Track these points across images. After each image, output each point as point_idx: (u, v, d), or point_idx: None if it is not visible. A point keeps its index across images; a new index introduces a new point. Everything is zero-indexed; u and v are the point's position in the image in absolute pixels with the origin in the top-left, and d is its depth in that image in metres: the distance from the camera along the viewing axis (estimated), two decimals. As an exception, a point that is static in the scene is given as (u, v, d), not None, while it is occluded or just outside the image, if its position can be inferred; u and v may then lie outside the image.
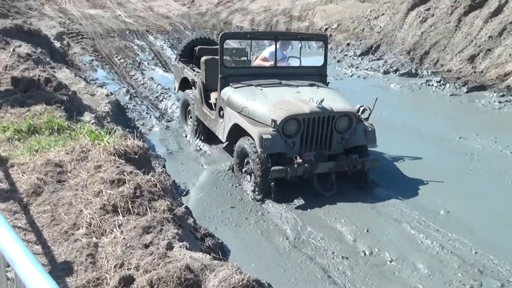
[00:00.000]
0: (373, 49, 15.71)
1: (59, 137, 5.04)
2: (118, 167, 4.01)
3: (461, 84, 12.39)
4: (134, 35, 17.65)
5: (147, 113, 9.88)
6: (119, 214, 3.52)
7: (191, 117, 8.84)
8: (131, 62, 14.26)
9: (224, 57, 7.71)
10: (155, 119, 9.58)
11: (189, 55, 9.43)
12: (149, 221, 3.39)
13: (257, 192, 6.61)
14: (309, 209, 6.33)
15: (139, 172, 3.99)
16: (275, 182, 6.54)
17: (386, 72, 13.97)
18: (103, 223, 3.44)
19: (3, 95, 6.32)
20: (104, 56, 14.69)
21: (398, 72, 13.84)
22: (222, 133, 7.54)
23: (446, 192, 6.90)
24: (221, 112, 7.53)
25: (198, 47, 9.19)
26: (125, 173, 3.91)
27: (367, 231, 5.82)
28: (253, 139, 6.60)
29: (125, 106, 9.62)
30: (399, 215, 6.23)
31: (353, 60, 15.39)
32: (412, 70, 13.81)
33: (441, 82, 12.74)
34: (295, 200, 6.55)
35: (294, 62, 8.36)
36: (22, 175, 4.25)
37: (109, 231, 3.38)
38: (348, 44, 16.66)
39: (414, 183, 7.17)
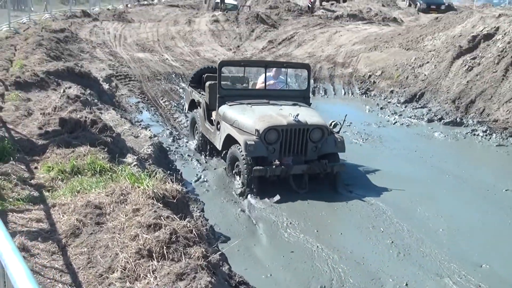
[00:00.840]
0: (417, 97, 15.54)
1: (100, 178, 5.14)
2: (155, 211, 4.04)
3: (508, 135, 12.09)
4: (180, 78, 18.03)
5: (188, 155, 10.01)
6: (153, 259, 3.52)
7: (197, 133, 10.40)
8: (175, 104, 14.53)
9: (224, 82, 9.58)
10: (196, 162, 9.68)
11: (198, 81, 11.14)
12: (183, 268, 3.38)
13: (243, 189, 8.13)
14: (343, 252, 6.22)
15: (175, 217, 4.01)
16: (259, 181, 8.07)
17: (430, 121, 13.77)
18: (138, 267, 3.45)
19: (50, 135, 6.52)
20: (150, 98, 15.02)
21: (442, 121, 13.62)
22: (218, 143, 9.21)
23: (489, 245, 6.67)
24: (218, 126, 9.19)
25: (206, 74, 10.74)
26: (162, 217, 3.94)
27: (406, 284, 5.65)
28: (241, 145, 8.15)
29: (167, 148, 9.77)
30: (438, 267, 6.03)
31: (396, 108, 15.27)
32: (457, 119, 13.57)
33: (487, 132, 12.46)
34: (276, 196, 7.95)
35: (283, 86, 10.30)
36: (63, 216, 4.33)
37: (143, 276, 3.38)
38: (391, 92, 16.56)
39: (454, 234, 6.97)
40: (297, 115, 8.29)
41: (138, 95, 15.09)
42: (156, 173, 5.71)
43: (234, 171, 8.57)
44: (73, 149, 5.90)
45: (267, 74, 9.74)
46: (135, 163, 6.12)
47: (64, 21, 25.35)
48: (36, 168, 5.66)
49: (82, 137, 6.30)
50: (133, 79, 16.67)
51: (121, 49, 21.74)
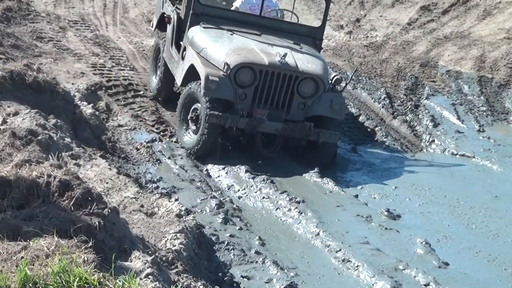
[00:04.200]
0: None
1: (81, 305, 5.21)
2: None
3: None
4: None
5: (257, 252, 9.95)
6: None
7: (160, 66, 14.67)
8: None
9: None
10: (272, 265, 9.59)
11: None
12: None
13: (197, 143, 11.93)
14: None
15: None
16: (216, 133, 11.59)
17: None
18: None
19: (-23, 213, 6.67)
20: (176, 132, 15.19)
21: None
22: (180, 76, 12.93)
23: None
24: (184, 53, 12.85)
25: None
26: None
27: None
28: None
29: (213, 238, 9.77)
30: None
31: None
32: None
33: None
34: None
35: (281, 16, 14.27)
36: None
37: None
38: None
39: None
40: (285, 55, 11.73)
41: (153, 125, 15.25)
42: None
43: (189, 116, 12.32)
44: (24, 244, 6.01)
45: None
46: (148, 270, 6.18)
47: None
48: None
49: (43, 217, 6.41)
50: (141, 92, 16.93)
51: (116, 31, 22.25)
